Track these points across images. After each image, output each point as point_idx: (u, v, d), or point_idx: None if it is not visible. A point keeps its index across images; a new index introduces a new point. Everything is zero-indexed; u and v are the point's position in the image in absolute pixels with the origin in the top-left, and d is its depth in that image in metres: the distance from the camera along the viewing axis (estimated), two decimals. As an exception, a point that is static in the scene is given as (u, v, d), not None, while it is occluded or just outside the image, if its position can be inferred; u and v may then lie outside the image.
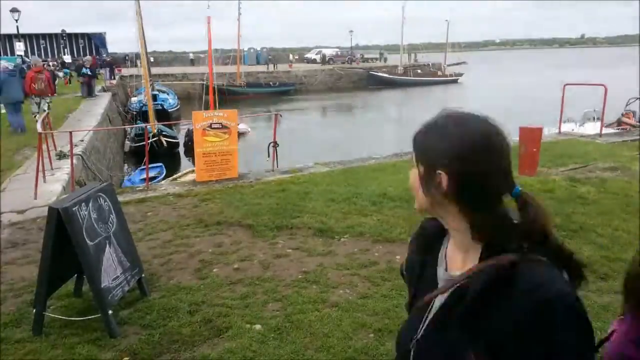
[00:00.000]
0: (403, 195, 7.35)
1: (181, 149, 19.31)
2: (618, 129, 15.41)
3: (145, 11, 20.15)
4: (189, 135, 18.48)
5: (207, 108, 20.95)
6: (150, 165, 10.49)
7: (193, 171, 14.15)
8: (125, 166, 18.36)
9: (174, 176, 14.25)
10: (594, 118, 15.87)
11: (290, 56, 60.96)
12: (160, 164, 15.08)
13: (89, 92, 22.98)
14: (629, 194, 7.27)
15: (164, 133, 17.49)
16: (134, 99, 27.81)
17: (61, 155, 10.11)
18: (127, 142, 19.57)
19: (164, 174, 14.58)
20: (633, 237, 5.64)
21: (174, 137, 18.98)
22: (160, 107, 22.83)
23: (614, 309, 4.14)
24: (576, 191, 7.45)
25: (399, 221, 6.27)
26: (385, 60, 64.20)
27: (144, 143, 10.13)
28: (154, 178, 13.52)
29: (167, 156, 17.19)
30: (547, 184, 7.77)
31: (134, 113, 23.83)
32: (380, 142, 19.77)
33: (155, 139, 16.35)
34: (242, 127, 21.82)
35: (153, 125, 17.40)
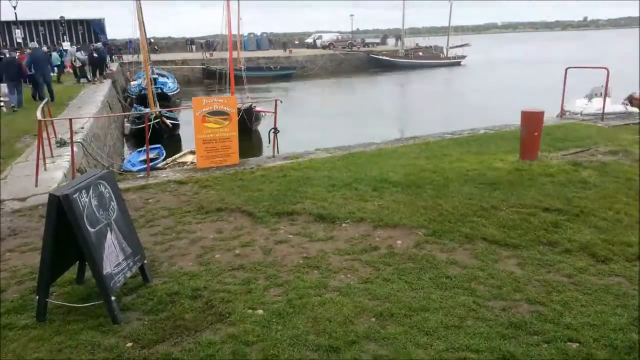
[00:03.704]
0: (404, 181, 7.35)
1: (182, 132, 19.32)
2: (625, 103, 15.53)
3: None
4: None
5: (209, 92, 20.83)
6: (149, 147, 10.46)
7: (191, 152, 14.21)
8: (126, 149, 18.37)
9: (173, 157, 14.27)
10: (601, 94, 15.98)
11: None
12: (158, 145, 15.06)
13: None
14: (631, 177, 7.25)
15: (165, 115, 17.48)
16: (133, 83, 27.76)
17: (61, 143, 10.10)
18: (127, 125, 19.50)
19: (164, 155, 14.55)
20: (634, 220, 5.65)
21: (175, 119, 18.96)
22: (160, 91, 22.77)
23: (615, 291, 4.16)
24: (577, 175, 7.43)
25: (400, 206, 6.28)
26: (397, 41, 63.11)
27: (144, 125, 10.11)
28: (153, 159, 13.51)
29: (169, 137, 17.21)
30: (548, 168, 7.76)
31: (133, 97, 23.78)
32: (382, 126, 19.72)
33: (157, 120, 16.33)
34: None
35: (152, 107, 17.41)
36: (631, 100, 16.31)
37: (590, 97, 16.11)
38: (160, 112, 16.84)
